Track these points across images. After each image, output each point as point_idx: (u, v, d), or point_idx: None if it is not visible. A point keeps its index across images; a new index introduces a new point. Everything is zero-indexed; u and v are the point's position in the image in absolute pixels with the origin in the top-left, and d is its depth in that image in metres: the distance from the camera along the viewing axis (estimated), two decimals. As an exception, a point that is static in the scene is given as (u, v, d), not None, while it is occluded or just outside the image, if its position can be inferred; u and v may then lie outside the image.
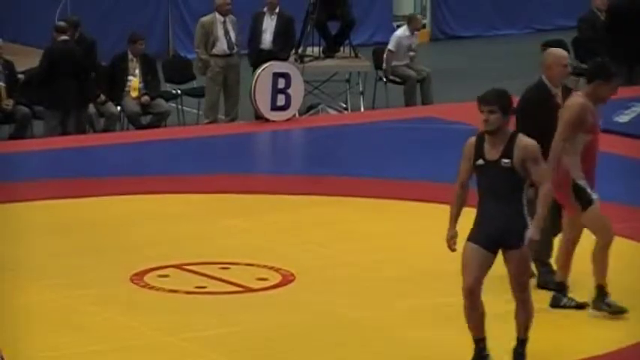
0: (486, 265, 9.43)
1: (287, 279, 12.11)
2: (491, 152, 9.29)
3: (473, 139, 9.45)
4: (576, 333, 11.02)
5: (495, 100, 9.29)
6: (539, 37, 23.04)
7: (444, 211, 13.62)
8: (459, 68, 22.10)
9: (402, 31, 20.48)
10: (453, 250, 9.52)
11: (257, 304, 11.68)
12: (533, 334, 9.73)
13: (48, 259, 12.27)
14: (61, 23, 18.65)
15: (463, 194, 9.54)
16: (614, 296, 10.98)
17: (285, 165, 17.24)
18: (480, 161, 9.34)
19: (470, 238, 9.42)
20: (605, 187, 11.45)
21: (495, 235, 9.33)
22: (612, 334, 10.80)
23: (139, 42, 18.73)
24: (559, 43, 21.36)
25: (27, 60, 19.12)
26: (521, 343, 9.65)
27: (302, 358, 10.48)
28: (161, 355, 10.47)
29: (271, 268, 12.39)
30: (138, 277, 12.08)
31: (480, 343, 9.51)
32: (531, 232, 9.28)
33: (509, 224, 9.32)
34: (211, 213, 14.27)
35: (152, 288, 11.91)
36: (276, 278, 12.16)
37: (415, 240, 13.33)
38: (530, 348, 9.77)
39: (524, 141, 9.29)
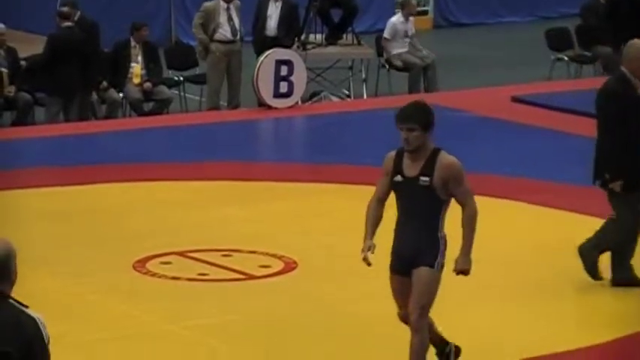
0: (410, 291, 8.83)
1: (289, 267, 12.14)
2: (410, 169, 8.69)
3: (393, 153, 8.88)
4: None
5: (415, 118, 8.69)
6: (542, 24, 23.11)
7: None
8: (462, 56, 22.12)
9: (397, 18, 20.51)
10: (368, 264, 8.86)
11: (259, 291, 11.71)
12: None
13: (49, 247, 12.32)
14: (64, 9, 18.63)
15: (379, 210, 8.85)
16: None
17: (287, 153, 17.29)
18: (398, 177, 8.74)
19: (390, 267, 8.90)
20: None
21: (407, 256, 8.74)
22: None
23: (143, 29, 18.75)
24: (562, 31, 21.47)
25: (29, 47, 19.18)
26: None
27: (301, 347, 10.46)
28: (163, 342, 10.49)
29: (274, 255, 12.43)
30: (140, 265, 12.12)
31: (441, 342, 9.21)
32: (461, 262, 8.78)
33: (420, 245, 8.69)
34: (214, 200, 14.32)
35: (154, 275, 11.94)
36: (279, 266, 12.20)
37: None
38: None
39: (448, 159, 8.71)
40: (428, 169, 8.61)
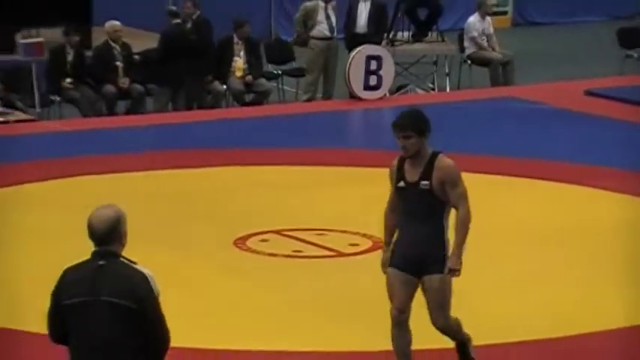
0: (411, 288, 8.62)
1: (377, 245, 12.10)
2: (411, 174, 8.44)
3: (395, 161, 8.60)
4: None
5: (410, 125, 8.43)
6: (615, 23, 22.92)
7: (511, 184, 13.70)
8: (538, 52, 22.04)
9: (475, 17, 20.41)
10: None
11: (348, 268, 11.77)
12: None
13: (156, 225, 12.39)
14: (172, 8, 18.84)
15: (394, 220, 8.70)
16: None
17: (376, 140, 17.27)
18: (402, 183, 8.49)
19: (390, 264, 8.65)
20: None
21: (414, 259, 8.48)
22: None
23: (245, 26, 18.87)
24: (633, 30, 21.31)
25: (142, 42, 19.32)
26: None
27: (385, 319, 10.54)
28: (260, 314, 10.58)
29: (363, 235, 12.48)
30: (241, 242, 12.23)
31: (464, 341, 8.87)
32: (451, 261, 8.48)
33: (427, 249, 8.46)
34: (309, 184, 14.40)
35: (253, 252, 12.05)
36: (367, 244, 12.26)
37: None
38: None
39: (444, 162, 8.44)
40: (427, 173, 8.39)
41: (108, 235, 6.60)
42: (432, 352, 9.63)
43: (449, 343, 9.14)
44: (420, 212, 8.42)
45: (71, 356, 6.83)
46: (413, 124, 8.41)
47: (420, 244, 8.43)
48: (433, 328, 8.74)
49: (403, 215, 8.52)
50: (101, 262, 6.57)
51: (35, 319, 9.83)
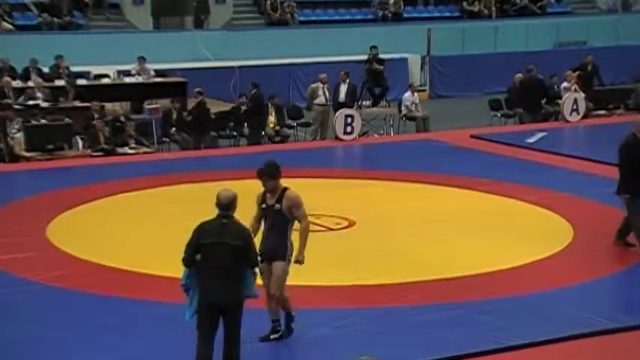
0: (269, 272, 8.10)
1: (351, 224, 12.21)
2: (270, 200, 8.10)
3: (261, 193, 8.20)
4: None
5: (268, 173, 8.11)
6: (487, 97, 22.61)
7: (429, 189, 13.59)
8: (444, 113, 21.88)
9: (408, 93, 20.33)
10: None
11: (335, 237, 11.72)
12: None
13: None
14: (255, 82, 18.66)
15: (256, 225, 8.16)
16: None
17: (351, 164, 17.30)
18: (264, 205, 8.12)
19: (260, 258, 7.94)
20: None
21: (269, 251, 8.05)
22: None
23: (275, 97, 18.70)
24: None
25: (217, 106, 19.06)
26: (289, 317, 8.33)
27: (357, 266, 10.51)
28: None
29: (343, 218, 12.41)
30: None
31: (275, 322, 8.31)
32: (298, 255, 8.10)
33: (275, 245, 8.06)
34: (312, 188, 14.05)
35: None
36: (345, 223, 12.21)
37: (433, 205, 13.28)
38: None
39: (290, 194, 8.08)
40: (280, 200, 8.06)
41: (228, 205, 7.32)
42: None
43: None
44: (274, 223, 8.08)
45: (199, 275, 7.28)
46: (269, 171, 8.13)
47: (272, 242, 8.08)
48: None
49: (265, 225, 8.16)
50: (224, 220, 7.28)
51: (161, 267, 9.92)
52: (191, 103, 18.65)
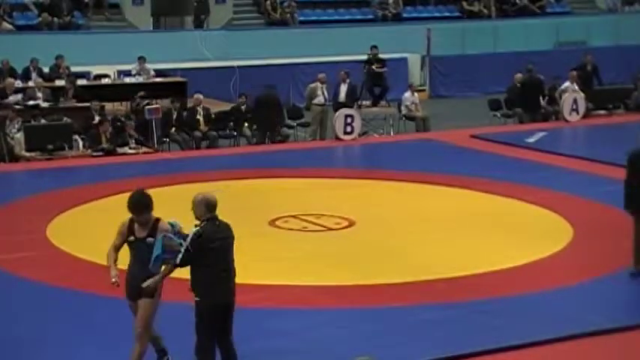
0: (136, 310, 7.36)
1: (351, 224, 12.20)
2: (141, 232, 7.27)
3: (127, 221, 7.35)
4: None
5: (145, 204, 7.23)
6: (487, 97, 22.64)
7: (429, 189, 13.61)
8: (443, 113, 21.96)
9: (408, 93, 20.35)
10: (118, 285, 7.31)
11: (335, 237, 11.71)
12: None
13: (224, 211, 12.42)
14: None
15: (115, 257, 7.36)
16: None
17: (351, 164, 17.30)
18: (132, 238, 7.29)
19: (125, 291, 7.40)
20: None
21: (135, 288, 7.28)
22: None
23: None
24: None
25: (216, 106, 19.11)
26: None
27: (356, 265, 10.53)
28: (282, 263, 10.56)
29: (343, 217, 12.41)
30: (272, 222, 12.21)
31: (160, 352, 7.67)
32: (148, 282, 7.19)
33: (143, 282, 7.23)
34: (312, 187, 14.27)
35: (280, 228, 12.02)
36: (345, 223, 12.21)
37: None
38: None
39: (163, 226, 7.25)
40: (152, 232, 7.24)
41: (216, 206, 7.30)
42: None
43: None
44: (145, 258, 7.21)
45: (211, 278, 7.24)
46: (147, 203, 7.27)
47: (140, 280, 7.23)
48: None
49: (132, 259, 7.33)
50: (217, 222, 7.29)
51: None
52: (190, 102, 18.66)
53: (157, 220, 7.31)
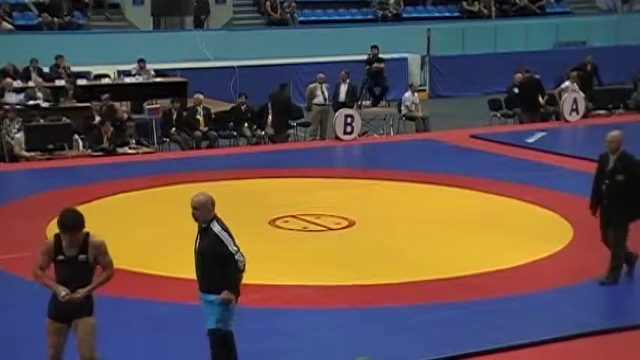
0: (63, 333, 6.88)
1: (351, 224, 12.20)
2: (70, 250, 6.69)
3: (51, 240, 6.76)
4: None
5: (77, 224, 6.65)
6: (487, 97, 22.66)
7: (429, 189, 13.59)
8: (443, 112, 21.94)
9: (408, 92, 20.37)
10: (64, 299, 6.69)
11: (335, 237, 11.72)
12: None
13: (224, 210, 12.41)
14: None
15: (44, 273, 6.75)
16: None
17: (350, 164, 17.29)
18: (61, 257, 6.69)
19: (48, 314, 6.85)
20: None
21: (68, 310, 6.75)
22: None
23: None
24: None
25: (217, 106, 19.09)
26: None
27: (356, 263, 10.53)
28: (283, 262, 10.58)
29: (343, 217, 12.40)
30: (272, 222, 12.21)
31: None
32: (78, 293, 6.69)
33: (80, 302, 6.74)
34: (312, 188, 14.25)
35: (280, 228, 12.02)
36: (345, 223, 12.21)
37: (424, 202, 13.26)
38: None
39: (95, 241, 6.73)
40: (83, 249, 6.70)
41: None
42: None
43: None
44: (76, 277, 6.72)
45: (233, 272, 7.08)
46: (79, 222, 6.69)
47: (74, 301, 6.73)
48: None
49: (60, 281, 6.74)
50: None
51: (161, 267, 9.85)
52: (190, 102, 18.66)
53: (87, 234, 6.76)
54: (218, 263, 7.00)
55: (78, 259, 6.70)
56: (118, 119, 17.46)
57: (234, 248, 7.04)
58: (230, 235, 7.09)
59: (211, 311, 7.03)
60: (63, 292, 6.64)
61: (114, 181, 14.29)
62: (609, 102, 20.95)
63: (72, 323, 6.80)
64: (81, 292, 6.68)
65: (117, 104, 18.06)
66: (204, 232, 7.11)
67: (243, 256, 7.09)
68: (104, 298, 9.07)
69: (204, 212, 7.10)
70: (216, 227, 7.08)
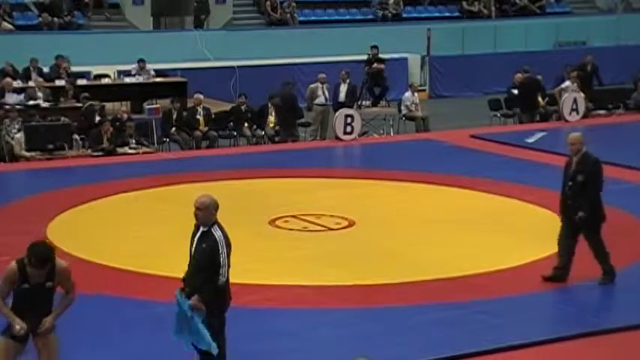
0: (20, 350, 6.60)
1: (351, 224, 12.20)
2: (37, 278, 6.41)
3: (14, 267, 6.47)
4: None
5: (49, 257, 6.43)
6: (487, 97, 22.62)
7: (429, 189, 13.56)
8: (443, 112, 21.92)
9: (408, 92, 20.36)
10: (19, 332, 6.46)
11: (335, 237, 11.72)
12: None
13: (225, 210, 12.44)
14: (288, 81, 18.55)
15: (2, 304, 6.48)
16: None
17: (350, 163, 17.29)
18: (26, 285, 6.43)
19: (4, 333, 6.56)
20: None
21: (25, 335, 6.52)
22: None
23: (275, 98, 18.46)
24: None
25: (216, 106, 19.11)
26: None
27: (356, 264, 10.53)
28: (283, 263, 10.57)
29: (343, 217, 12.41)
30: (272, 221, 12.20)
31: None
32: (48, 319, 6.51)
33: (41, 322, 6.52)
34: (311, 188, 14.25)
35: (279, 227, 12.01)
36: (345, 223, 12.21)
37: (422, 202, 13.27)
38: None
39: (61, 268, 6.52)
40: (50, 276, 6.46)
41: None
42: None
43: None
44: (41, 304, 6.54)
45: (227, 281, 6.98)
46: (52, 256, 6.47)
47: (37, 322, 6.54)
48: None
49: (23, 308, 6.50)
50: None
51: (160, 267, 9.87)
52: (190, 103, 18.63)
53: (56, 262, 6.53)
54: (208, 270, 6.91)
55: (45, 286, 6.48)
56: (110, 119, 17.35)
57: (225, 261, 6.90)
58: (228, 245, 6.96)
59: (186, 326, 6.86)
60: (17, 326, 6.43)
61: (114, 181, 14.30)
62: (609, 102, 20.96)
63: (32, 339, 6.59)
64: (48, 321, 6.52)
65: (96, 103, 17.97)
66: (205, 234, 7.05)
67: (227, 274, 6.89)
68: (104, 298, 9.12)
69: (206, 214, 7.03)
70: (217, 233, 7.02)
